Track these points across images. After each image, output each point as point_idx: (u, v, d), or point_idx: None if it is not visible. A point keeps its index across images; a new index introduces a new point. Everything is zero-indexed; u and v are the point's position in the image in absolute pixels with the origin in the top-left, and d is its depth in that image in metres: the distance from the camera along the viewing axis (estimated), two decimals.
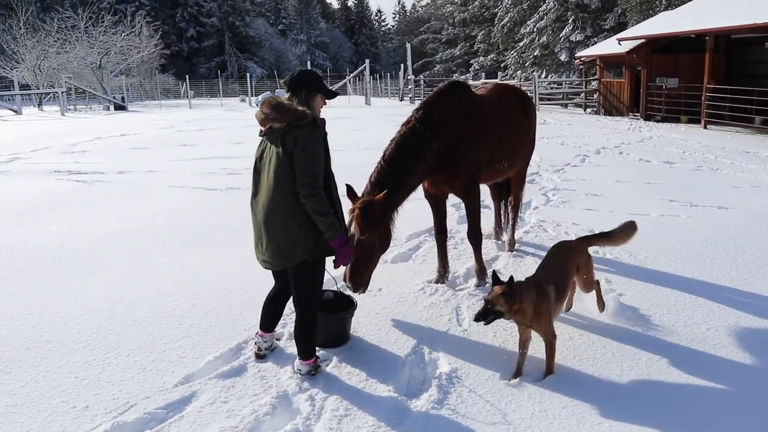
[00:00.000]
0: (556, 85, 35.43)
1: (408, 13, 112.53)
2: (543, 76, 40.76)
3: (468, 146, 4.90)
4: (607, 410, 3.31)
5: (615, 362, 3.85)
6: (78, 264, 5.85)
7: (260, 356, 3.96)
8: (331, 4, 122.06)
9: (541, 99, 30.55)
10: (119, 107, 35.94)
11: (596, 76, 26.19)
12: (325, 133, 3.62)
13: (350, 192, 4.33)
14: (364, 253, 4.21)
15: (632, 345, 4.08)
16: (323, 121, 3.60)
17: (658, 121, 21.22)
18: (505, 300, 3.47)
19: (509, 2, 47.43)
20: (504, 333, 4.26)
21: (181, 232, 6.92)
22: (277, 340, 4.16)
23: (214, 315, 4.62)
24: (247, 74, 44.70)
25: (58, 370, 3.83)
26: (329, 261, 3.72)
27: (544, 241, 6.39)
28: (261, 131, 3.60)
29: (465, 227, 5.41)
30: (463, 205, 5.39)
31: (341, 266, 3.69)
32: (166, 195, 8.96)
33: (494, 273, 3.65)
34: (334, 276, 4.36)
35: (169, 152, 13.74)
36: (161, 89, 54.24)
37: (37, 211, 8.02)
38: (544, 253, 5.92)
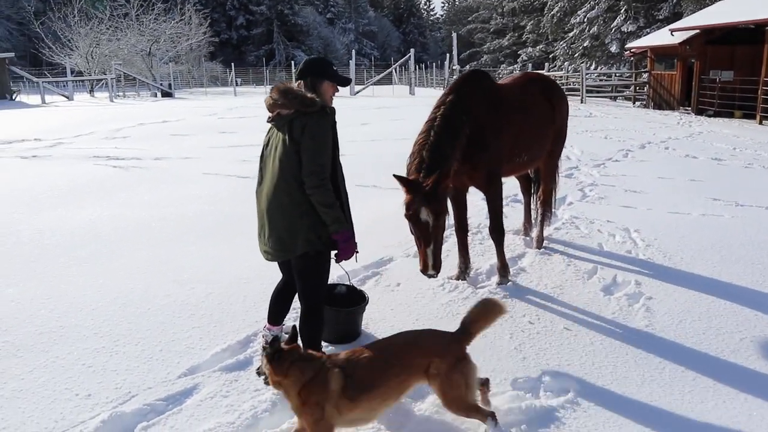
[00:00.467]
0: (605, 77, 34.40)
1: (457, 2, 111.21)
2: (592, 67, 39.68)
3: (490, 136, 4.72)
4: (623, 423, 3.11)
5: (636, 371, 3.63)
6: (102, 249, 5.91)
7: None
8: None
9: (588, 91, 29.75)
10: (166, 94, 36.70)
11: (647, 69, 25.29)
12: (335, 122, 3.48)
13: (403, 179, 4.16)
14: (440, 236, 4.19)
15: (656, 353, 3.84)
16: (333, 109, 3.46)
17: (710, 116, 20.35)
18: (269, 364, 2.81)
19: None
20: (522, 335, 4.08)
21: (207, 220, 6.93)
22: (285, 333, 4.07)
23: (227, 305, 4.58)
24: (292, 63, 44.93)
25: (67, 357, 3.85)
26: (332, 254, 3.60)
27: (574, 239, 6.14)
28: (269, 117, 3.49)
29: None
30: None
31: (343, 261, 3.51)
32: (199, 182, 9.01)
33: (274, 339, 3.06)
34: (347, 271, 4.24)
35: (208, 139, 13.88)
36: (209, 76, 55.14)
37: (71, 195, 8.18)
38: (574, 252, 5.75)
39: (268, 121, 3.51)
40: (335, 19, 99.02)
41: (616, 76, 33.49)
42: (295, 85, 3.49)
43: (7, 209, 7.44)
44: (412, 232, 4.25)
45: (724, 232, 6.38)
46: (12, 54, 36.97)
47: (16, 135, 15.39)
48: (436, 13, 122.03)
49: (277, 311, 3.82)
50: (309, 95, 3.34)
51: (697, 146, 13.10)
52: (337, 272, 4.29)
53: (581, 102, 27.22)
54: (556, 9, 46.22)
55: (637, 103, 26.54)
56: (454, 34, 41.36)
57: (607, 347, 3.92)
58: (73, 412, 3.27)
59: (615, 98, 30.05)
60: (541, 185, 5.90)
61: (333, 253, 3.52)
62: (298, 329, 3.53)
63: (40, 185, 8.78)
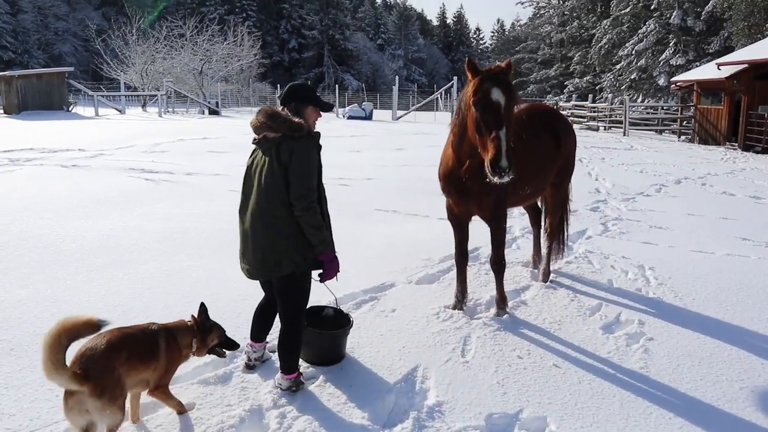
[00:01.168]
0: (651, 111, 33.77)
1: (506, 32, 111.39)
2: (639, 100, 39.03)
3: None
4: None
5: (620, 415, 3.49)
6: (115, 259, 6.07)
7: (250, 366, 3.91)
8: (430, 21, 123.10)
9: (634, 124, 29.23)
10: (213, 112, 37.74)
11: (693, 103, 24.72)
12: (320, 146, 3.54)
13: (471, 63, 4.19)
14: (511, 123, 4.06)
15: (646, 398, 3.69)
16: (318, 133, 3.55)
17: (757, 152, 19.71)
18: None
19: (608, 24, 45.83)
20: (507, 369, 3.98)
21: (221, 236, 7.04)
22: (271, 352, 4.09)
23: (220, 321, 4.58)
24: (336, 86, 45.67)
25: None
26: (315, 274, 3.64)
27: (584, 274, 5.99)
28: (254, 139, 3.57)
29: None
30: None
31: (327, 280, 3.58)
32: (225, 198, 9.18)
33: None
34: (334, 293, 4.25)
35: (243, 157, 14.13)
36: (258, 96, 56.47)
37: (99, 205, 8.45)
38: (581, 287, 5.62)
39: (253, 143, 3.59)
40: (385, 45, 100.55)
41: (662, 109, 32.82)
42: (279, 109, 3.59)
43: (35, 215, 7.73)
44: (477, 128, 4.04)
45: (747, 274, 6.12)
46: (71, 68, 38.73)
47: (63, 144, 16.05)
48: (485, 42, 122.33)
49: (259, 329, 3.91)
50: (296, 120, 3.45)
51: (737, 183, 12.68)
52: (328, 296, 4.31)
53: (624, 135, 26.75)
54: (605, 41, 45.83)
55: (683, 137, 25.92)
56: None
57: (595, 388, 3.79)
58: (50, 412, 3.35)
59: (661, 132, 29.43)
60: (549, 217, 5.79)
61: (316, 273, 3.57)
62: (277, 347, 3.57)
63: (72, 194, 9.10)
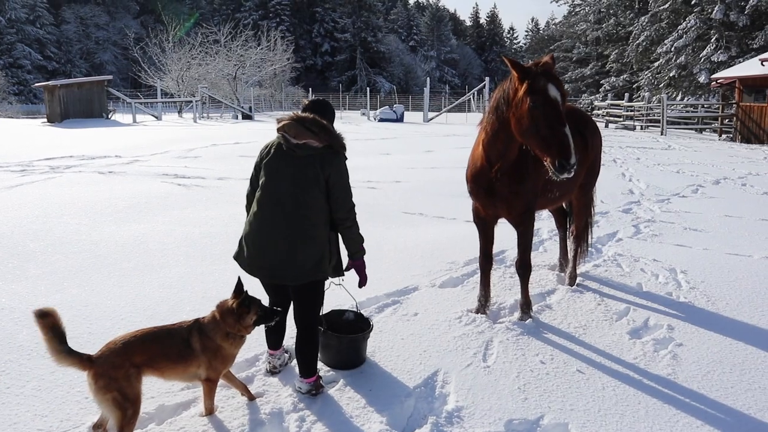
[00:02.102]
0: (691, 109, 32.94)
1: (541, 31, 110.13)
2: (678, 98, 38.10)
3: (531, 170, 4.61)
4: None
5: (645, 423, 3.42)
6: (145, 263, 6.21)
7: (274, 373, 3.95)
8: (463, 21, 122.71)
9: (673, 123, 28.57)
10: (246, 116, 38.25)
11: (735, 100, 24.04)
12: None
13: (514, 62, 4.15)
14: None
15: (673, 405, 3.61)
16: None
17: None
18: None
19: (646, 20, 44.87)
20: (529, 374, 3.94)
21: None
22: (285, 352, 4.12)
23: None
24: (367, 89, 45.81)
25: None
26: (353, 282, 3.87)
27: (613, 277, 5.89)
28: (285, 139, 3.55)
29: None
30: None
31: (364, 284, 3.86)
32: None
33: None
34: (354, 297, 4.27)
35: None
36: (291, 101, 57.04)
37: (131, 210, 8.65)
38: (608, 291, 5.52)
39: (293, 144, 3.52)
40: (417, 47, 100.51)
41: (703, 107, 31.98)
42: (306, 114, 3.63)
43: (73, 221, 7.96)
44: (535, 127, 3.95)
45: None
46: (110, 77, 39.80)
47: (101, 151, 16.49)
48: (519, 42, 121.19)
49: (275, 337, 3.98)
50: (341, 137, 3.63)
51: None
52: (350, 301, 4.33)
53: (661, 134, 26.18)
54: (642, 38, 44.86)
55: (723, 137, 25.22)
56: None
57: (619, 394, 3.72)
58: (79, 413, 3.45)
59: (701, 131, 28.69)
60: (574, 220, 5.71)
61: (340, 278, 3.85)
62: (294, 351, 3.61)
63: (107, 200, 9.34)
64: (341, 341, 3.98)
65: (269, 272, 3.62)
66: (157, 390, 3.69)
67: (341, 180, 3.54)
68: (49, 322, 3.00)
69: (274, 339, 3.94)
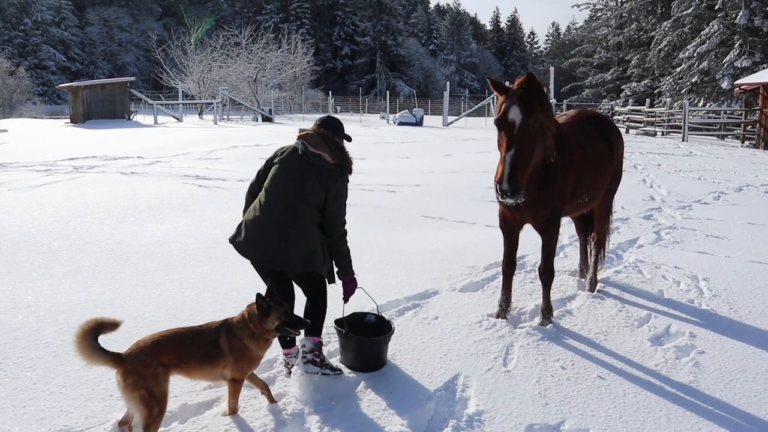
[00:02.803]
0: (713, 115, 32.54)
1: (561, 36, 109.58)
2: (700, 104, 37.67)
3: (558, 173, 4.60)
4: None
5: (666, 430, 3.40)
6: (168, 263, 6.29)
7: (292, 372, 3.98)
8: (483, 25, 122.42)
9: (695, 129, 28.26)
10: (266, 119, 38.54)
11: (758, 106, 23.71)
12: None
13: (495, 82, 4.23)
14: (528, 143, 4.02)
15: (695, 412, 3.57)
16: None
17: None
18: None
19: (668, 25, 44.47)
20: (550, 379, 3.93)
21: None
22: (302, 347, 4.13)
23: None
24: (387, 93, 45.90)
25: None
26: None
27: (634, 284, 5.84)
28: (304, 145, 3.87)
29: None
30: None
31: (350, 295, 4.04)
32: None
33: None
34: (375, 300, 4.30)
35: None
36: (311, 103, 57.35)
37: (154, 211, 8.77)
38: (629, 297, 5.49)
39: (310, 151, 3.85)
40: (437, 51, 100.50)
41: (725, 113, 31.58)
42: (327, 132, 3.97)
43: (96, 221, 8.09)
44: (498, 145, 4.15)
45: None
46: (133, 78, 40.38)
47: (123, 152, 16.72)
48: (539, 46, 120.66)
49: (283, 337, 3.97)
50: (351, 159, 3.96)
51: None
52: (371, 304, 4.36)
53: (682, 140, 25.89)
54: (664, 43, 44.49)
55: (747, 143, 24.88)
56: (552, 68, 40.63)
57: (641, 401, 3.70)
58: (104, 411, 3.51)
59: (723, 137, 28.34)
60: (595, 226, 5.68)
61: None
62: (304, 314, 3.92)
63: (130, 200, 9.47)
64: (362, 343, 4.00)
65: (263, 258, 3.87)
66: (180, 389, 3.74)
67: (340, 197, 3.84)
68: (93, 324, 3.11)
69: (284, 338, 3.97)
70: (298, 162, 3.84)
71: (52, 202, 9.29)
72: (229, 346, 3.35)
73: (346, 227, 3.96)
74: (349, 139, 4.09)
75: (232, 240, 3.98)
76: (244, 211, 4.09)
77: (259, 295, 3.44)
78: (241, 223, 3.97)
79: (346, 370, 4.01)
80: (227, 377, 3.40)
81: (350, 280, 3.96)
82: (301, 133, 3.95)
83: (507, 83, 4.22)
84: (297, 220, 3.73)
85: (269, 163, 4.02)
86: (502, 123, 4.07)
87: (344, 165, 3.87)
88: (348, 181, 3.93)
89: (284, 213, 3.74)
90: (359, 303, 4.40)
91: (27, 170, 12.90)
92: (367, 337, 4.04)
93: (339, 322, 4.10)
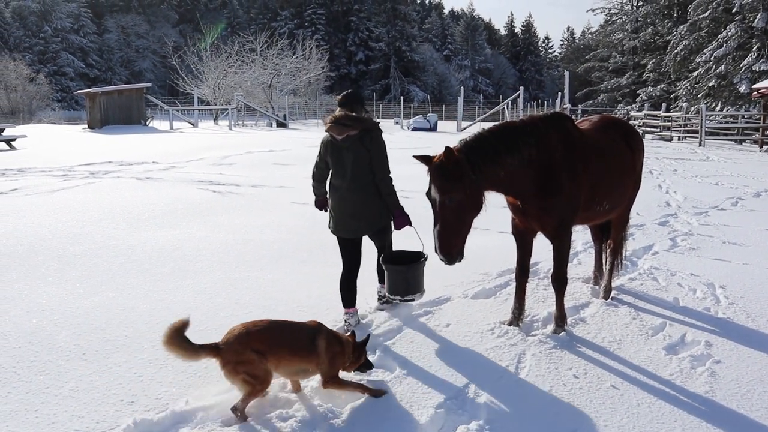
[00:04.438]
0: (731, 119, 32.17)
1: (576, 40, 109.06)
2: (717, 108, 37.27)
3: (566, 179, 4.55)
4: None
5: None
6: (181, 269, 6.32)
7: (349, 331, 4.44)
8: (498, 30, 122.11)
9: (712, 134, 27.96)
10: (280, 124, 38.69)
11: None
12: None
13: (422, 157, 4.32)
14: (450, 218, 4.17)
15: (711, 423, 3.51)
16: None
17: None
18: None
19: (685, 29, 44.08)
20: (562, 389, 3.88)
21: (282, 247, 7.22)
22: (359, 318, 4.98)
23: None
24: (401, 98, 45.95)
25: (124, 364, 4.15)
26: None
27: (648, 291, 5.77)
28: (333, 137, 4.72)
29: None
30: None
31: (400, 227, 4.85)
32: (287, 210, 9.42)
33: None
34: (421, 239, 4.96)
35: (306, 170, 14.39)
36: (325, 109, 57.52)
37: (168, 216, 8.83)
38: (644, 305, 5.42)
39: (337, 140, 4.70)
40: (452, 56, 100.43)
41: (743, 118, 31.19)
42: (340, 113, 4.76)
43: (111, 225, 8.16)
44: None
45: None
46: (149, 84, 40.80)
47: (139, 157, 16.88)
48: (554, 51, 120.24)
49: (349, 296, 4.85)
50: (369, 118, 4.82)
51: None
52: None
53: (699, 145, 25.62)
54: (681, 47, 44.07)
55: (765, 148, 24.55)
56: (567, 73, 40.53)
57: (655, 411, 3.64)
58: (114, 416, 3.53)
59: (741, 142, 27.99)
60: (612, 233, 5.62)
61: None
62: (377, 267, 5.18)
63: (144, 205, 9.55)
64: (399, 272, 4.74)
65: (353, 231, 4.82)
66: (191, 394, 3.75)
67: (380, 150, 4.68)
68: (178, 325, 3.45)
69: (349, 297, 4.82)
70: (340, 153, 4.70)
71: (69, 207, 9.40)
72: (326, 347, 3.63)
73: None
74: (364, 109, 4.92)
75: (329, 226, 4.96)
76: (314, 188, 5.15)
77: (364, 341, 3.90)
78: (329, 211, 4.93)
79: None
80: (321, 378, 3.70)
81: (400, 214, 4.80)
82: (326, 127, 4.74)
83: (431, 155, 4.30)
84: (363, 195, 4.69)
85: (321, 155, 4.90)
86: (427, 197, 4.28)
87: (368, 126, 4.66)
88: (381, 133, 4.73)
89: (353, 195, 4.70)
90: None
91: (44, 175, 13.07)
92: (403, 266, 4.76)
93: (385, 259, 4.86)
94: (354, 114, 4.69)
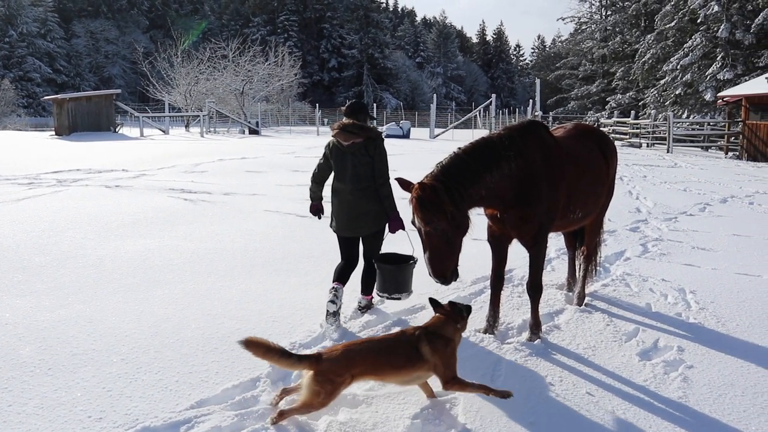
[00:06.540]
0: (697, 127, 32.90)
1: (547, 48, 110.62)
2: (684, 116, 38.10)
3: (545, 188, 4.57)
4: None
5: None
6: (151, 279, 6.18)
7: (334, 313, 4.88)
8: (470, 38, 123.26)
9: (677, 140, 28.54)
10: (253, 131, 38.43)
11: (741, 118, 24.00)
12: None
13: (403, 182, 4.27)
14: (439, 243, 4.17)
15: (684, 428, 3.55)
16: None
17: None
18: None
19: (652, 38, 45.03)
20: (537, 397, 3.88)
21: (254, 257, 7.12)
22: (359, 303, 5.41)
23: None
24: (374, 105, 46.01)
25: (91, 379, 4.02)
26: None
27: (621, 297, 5.83)
28: (339, 143, 5.05)
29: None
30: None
31: (395, 231, 5.04)
32: (259, 218, 9.31)
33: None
34: (412, 243, 5.08)
35: (279, 177, 14.34)
36: (298, 116, 57.33)
37: (138, 225, 8.66)
38: (617, 311, 5.47)
39: (341, 146, 5.05)
40: (424, 63, 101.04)
41: (709, 125, 31.93)
42: (347, 121, 5.09)
43: (79, 235, 7.97)
44: None
45: None
46: (119, 90, 40.23)
47: (108, 165, 16.57)
48: (525, 59, 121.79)
49: (341, 275, 5.15)
50: (373, 128, 5.17)
51: None
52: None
53: (667, 152, 26.13)
54: (648, 55, 45.00)
55: (730, 154, 25.16)
56: (538, 81, 41.01)
57: (630, 417, 3.66)
58: None
59: (707, 148, 28.64)
60: (586, 239, 5.66)
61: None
62: (361, 279, 5.33)
63: (114, 214, 9.35)
64: (390, 271, 4.97)
65: (353, 230, 5.15)
66: (162, 409, 3.65)
67: (381, 156, 5.02)
68: (262, 349, 3.41)
69: (342, 276, 5.12)
70: (344, 158, 5.02)
71: (34, 216, 9.15)
72: (432, 350, 3.57)
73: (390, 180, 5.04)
74: (371, 116, 5.38)
75: (330, 226, 5.28)
76: (311, 192, 5.44)
77: (452, 302, 3.95)
78: (331, 213, 5.24)
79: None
80: (424, 379, 3.70)
81: (395, 217, 5.02)
82: (333, 133, 5.05)
83: (410, 182, 4.27)
84: (364, 197, 4.99)
85: (326, 158, 5.20)
86: (412, 224, 4.30)
87: (372, 135, 4.99)
88: (383, 141, 5.06)
89: (355, 198, 5.00)
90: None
91: (9, 183, 12.73)
92: (393, 266, 4.99)
93: (378, 259, 5.10)
94: (360, 123, 5.05)
